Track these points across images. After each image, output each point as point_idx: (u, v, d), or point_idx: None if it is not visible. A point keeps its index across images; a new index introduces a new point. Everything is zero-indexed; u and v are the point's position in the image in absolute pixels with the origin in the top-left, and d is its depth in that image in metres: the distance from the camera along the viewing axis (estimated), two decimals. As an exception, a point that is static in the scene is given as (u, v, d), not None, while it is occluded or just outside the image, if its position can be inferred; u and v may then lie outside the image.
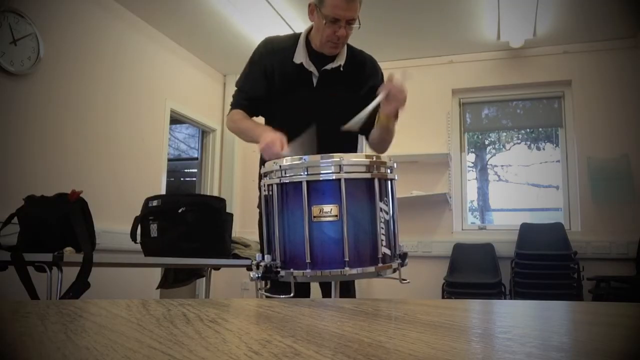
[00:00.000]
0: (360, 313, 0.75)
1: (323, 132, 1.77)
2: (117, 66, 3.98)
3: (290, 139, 1.71)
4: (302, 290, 1.82)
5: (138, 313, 0.67)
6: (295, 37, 1.96)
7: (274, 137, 1.70)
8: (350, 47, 1.98)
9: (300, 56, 1.91)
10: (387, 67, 2.07)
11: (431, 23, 4.31)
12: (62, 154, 3.44)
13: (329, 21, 1.79)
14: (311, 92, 1.91)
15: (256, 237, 2.98)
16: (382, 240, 1.40)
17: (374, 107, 1.71)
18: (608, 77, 4.51)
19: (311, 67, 1.91)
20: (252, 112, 2.00)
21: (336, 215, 1.36)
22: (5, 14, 3.07)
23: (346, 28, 1.81)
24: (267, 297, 1.65)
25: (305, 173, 1.38)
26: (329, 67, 1.91)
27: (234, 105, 2.01)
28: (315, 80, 1.92)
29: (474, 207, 5.08)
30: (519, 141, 5.16)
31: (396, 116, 1.81)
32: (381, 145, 1.92)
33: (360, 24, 1.83)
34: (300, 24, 4.15)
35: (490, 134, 5.21)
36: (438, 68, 4.97)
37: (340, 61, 1.92)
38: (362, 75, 1.97)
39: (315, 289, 1.90)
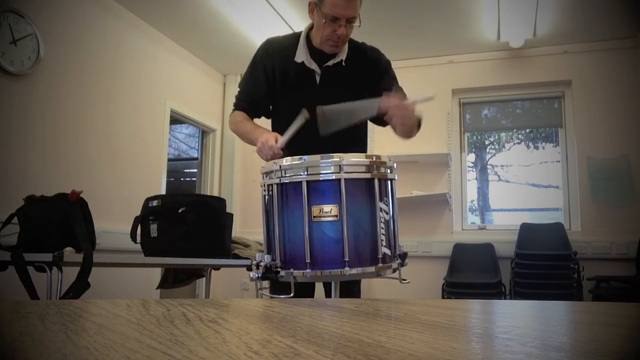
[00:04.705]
0: (360, 313, 0.75)
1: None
2: (117, 66, 3.98)
3: (295, 138, 1.71)
4: (306, 291, 1.81)
5: (138, 313, 0.67)
6: (295, 36, 1.96)
7: (268, 135, 1.72)
8: (352, 41, 1.96)
9: (301, 55, 1.90)
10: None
11: (431, 23, 4.31)
12: (62, 154, 3.44)
13: (329, 20, 1.78)
14: (314, 89, 1.90)
15: (256, 237, 2.98)
16: (382, 240, 1.40)
17: (362, 105, 1.70)
18: (608, 77, 4.51)
19: (312, 65, 1.90)
20: (253, 114, 2.00)
21: (336, 215, 1.36)
22: (5, 14, 3.07)
23: (346, 27, 1.80)
24: (271, 297, 1.65)
25: (305, 173, 1.38)
26: (330, 63, 1.90)
27: (236, 107, 2.02)
28: (318, 78, 1.91)
29: (474, 207, 5.08)
30: (518, 141, 5.16)
31: (418, 126, 1.79)
32: (404, 136, 1.84)
33: (360, 23, 1.82)
34: (300, 24, 4.15)
35: (490, 134, 5.21)
36: (438, 68, 4.97)
37: (342, 56, 1.91)
38: (366, 63, 1.95)
39: (319, 289, 1.90)
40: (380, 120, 1.76)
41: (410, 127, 1.73)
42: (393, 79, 1.97)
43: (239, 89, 2.04)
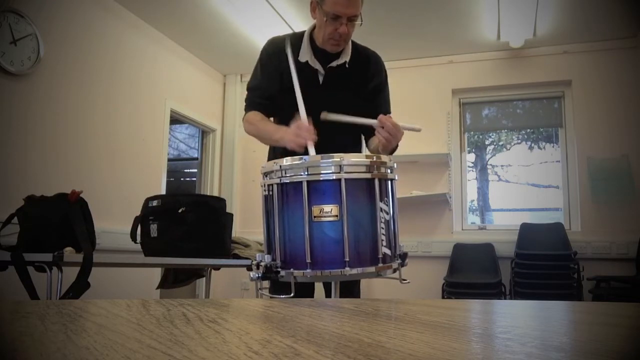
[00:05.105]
0: (360, 313, 0.75)
1: (329, 130, 1.77)
2: (117, 66, 3.98)
3: None
4: (306, 291, 1.81)
5: (138, 313, 0.67)
6: (299, 36, 1.95)
7: (298, 123, 1.68)
8: (354, 44, 1.97)
9: (305, 54, 1.89)
10: (387, 67, 2.07)
11: (431, 23, 4.31)
12: (62, 154, 3.44)
13: (330, 18, 1.78)
14: (317, 90, 1.89)
15: (256, 237, 2.98)
16: (382, 240, 1.40)
17: (365, 122, 1.75)
18: (608, 77, 4.51)
19: (316, 65, 1.89)
20: (269, 112, 1.96)
21: (336, 216, 1.36)
22: (5, 14, 3.07)
23: (348, 25, 1.80)
24: (271, 297, 1.65)
25: (306, 173, 1.38)
26: (334, 64, 1.90)
27: (250, 107, 1.97)
28: (321, 78, 1.91)
29: (474, 207, 5.08)
30: (519, 141, 5.16)
31: (391, 152, 1.82)
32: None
33: (362, 21, 1.82)
34: (300, 24, 4.15)
35: (491, 134, 5.21)
36: (438, 68, 4.97)
37: (346, 58, 1.91)
38: (368, 73, 1.96)
39: (319, 289, 1.90)
40: (366, 132, 1.85)
41: (389, 149, 1.77)
42: (386, 102, 2.03)
43: (248, 90, 2.00)
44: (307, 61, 1.89)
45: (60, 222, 2.08)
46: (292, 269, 1.39)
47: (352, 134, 1.99)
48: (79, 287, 1.95)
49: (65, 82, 3.50)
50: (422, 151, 4.59)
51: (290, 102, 1.92)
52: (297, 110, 1.74)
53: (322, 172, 1.38)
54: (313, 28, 1.93)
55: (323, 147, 1.57)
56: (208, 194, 5.10)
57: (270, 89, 1.94)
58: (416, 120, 1.75)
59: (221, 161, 5.41)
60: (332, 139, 1.75)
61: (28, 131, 3.22)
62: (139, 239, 2.59)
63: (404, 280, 1.49)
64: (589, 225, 4.41)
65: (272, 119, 2.01)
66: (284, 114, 1.94)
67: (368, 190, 1.41)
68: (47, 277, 1.91)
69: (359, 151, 2.04)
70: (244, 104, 2.01)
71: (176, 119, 4.86)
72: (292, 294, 1.37)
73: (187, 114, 4.86)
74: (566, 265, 4.11)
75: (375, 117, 1.86)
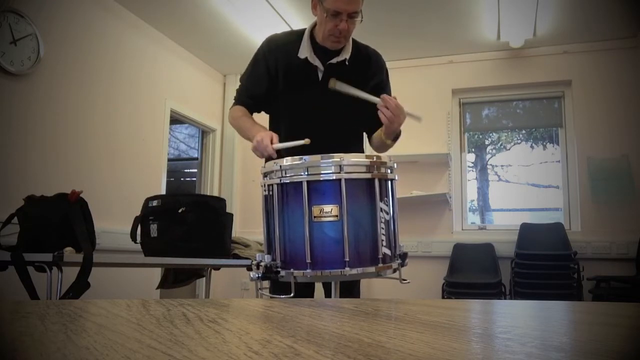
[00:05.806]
0: (360, 313, 0.75)
1: (328, 127, 1.77)
2: (117, 66, 3.98)
3: (296, 134, 1.71)
4: (306, 291, 1.81)
5: (138, 313, 0.67)
6: (299, 33, 1.96)
7: (264, 134, 1.72)
8: (355, 42, 1.97)
9: (305, 51, 1.90)
10: (387, 68, 2.07)
11: (431, 23, 4.31)
12: (62, 154, 3.44)
13: (331, 15, 1.78)
14: (316, 86, 1.90)
15: (256, 237, 2.98)
16: (382, 240, 1.40)
17: (369, 99, 1.75)
18: (608, 77, 4.51)
19: (316, 62, 1.90)
20: (254, 109, 2.01)
21: (336, 216, 1.36)
22: (5, 14, 3.07)
23: (348, 22, 1.80)
24: (271, 297, 1.65)
25: (306, 173, 1.38)
26: (334, 60, 1.90)
27: (236, 101, 2.02)
28: (320, 75, 1.91)
29: (474, 207, 5.08)
30: (519, 141, 5.16)
31: (394, 138, 1.82)
32: (378, 150, 1.96)
33: (362, 18, 1.82)
34: (300, 24, 4.15)
35: (491, 134, 5.20)
36: (438, 68, 4.97)
37: (346, 55, 1.91)
38: (368, 71, 1.96)
39: (319, 289, 1.90)
40: (370, 122, 1.84)
41: (391, 132, 1.77)
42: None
43: (240, 84, 2.05)
44: (306, 58, 1.89)
45: (60, 222, 2.08)
46: (292, 269, 1.39)
47: (354, 132, 2.00)
48: (79, 287, 1.95)
49: (65, 82, 3.50)
50: (422, 151, 4.59)
51: (287, 99, 1.93)
52: (290, 111, 1.75)
53: (322, 172, 1.38)
54: (314, 26, 1.93)
55: (323, 147, 1.57)
56: (208, 194, 5.10)
57: (256, 89, 1.98)
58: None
59: (221, 161, 5.41)
60: (335, 135, 1.76)
61: (28, 131, 3.22)
62: (139, 239, 2.59)
63: (404, 280, 1.49)
64: (589, 225, 4.41)
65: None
66: (282, 109, 1.95)
67: (368, 190, 1.41)
68: (47, 277, 1.91)
69: (361, 149, 2.05)
70: (235, 94, 2.06)
71: (176, 119, 4.86)
72: (292, 294, 1.37)
73: (187, 114, 4.86)
74: (566, 265, 4.11)
75: (377, 116, 1.86)
